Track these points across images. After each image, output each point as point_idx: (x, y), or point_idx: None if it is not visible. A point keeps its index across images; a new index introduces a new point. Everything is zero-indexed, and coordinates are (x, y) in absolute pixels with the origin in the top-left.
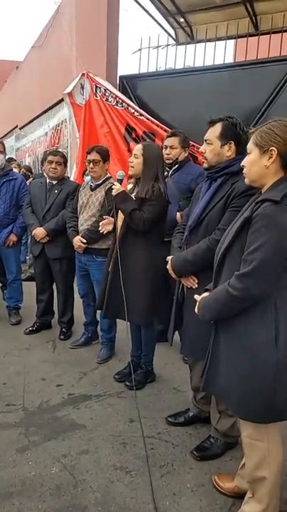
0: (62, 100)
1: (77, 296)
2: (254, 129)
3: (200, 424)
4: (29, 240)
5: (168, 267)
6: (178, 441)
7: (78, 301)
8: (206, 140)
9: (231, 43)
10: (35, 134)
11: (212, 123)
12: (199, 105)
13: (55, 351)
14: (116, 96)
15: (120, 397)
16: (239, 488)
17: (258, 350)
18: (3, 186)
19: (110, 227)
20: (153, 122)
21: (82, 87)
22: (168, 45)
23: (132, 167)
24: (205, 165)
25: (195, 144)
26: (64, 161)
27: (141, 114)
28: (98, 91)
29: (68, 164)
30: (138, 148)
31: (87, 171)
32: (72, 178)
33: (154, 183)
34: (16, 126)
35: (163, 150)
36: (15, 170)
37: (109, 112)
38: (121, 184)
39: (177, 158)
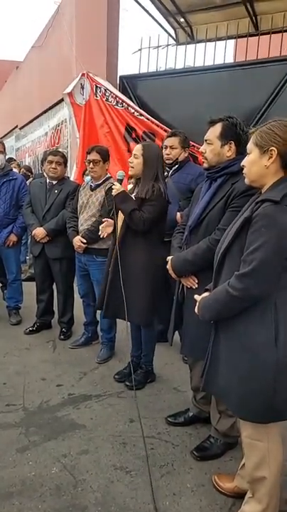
0: (62, 100)
1: (77, 296)
2: (254, 129)
3: (200, 424)
4: (29, 240)
5: (168, 267)
6: (178, 441)
7: (78, 301)
8: (206, 140)
9: (231, 43)
10: (35, 134)
11: (212, 123)
12: (200, 105)
13: (55, 351)
14: (116, 96)
15: (120, 397)
16: (239, 488)
17: (258, 350)
18: (3, 186)
19: (110, 230)
20: (153, 122)
21: (82, 87)
22: (168, 45)
23: (132, 167)
24: (205, 165)
25: (195, 144)
26: (64, 161)
27: (141, 114)
28: (98, 91)
29: (68, 164)
30: (138, 149)
31: (87, 171)
32: (72, 178)
33: (154, 183)
34: (16, 126)
35: (163, 150)
36: (15, 170)
37: (109, 112)
38: (121, 184)
39: (177, 159)
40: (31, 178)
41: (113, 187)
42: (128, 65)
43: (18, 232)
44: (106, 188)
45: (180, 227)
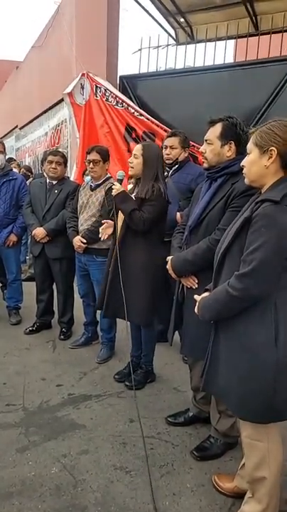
0: (62, 100)
1: (77, 296)
2: (254, 129)
3: (200, 424)
4: (29, 240)
5: (168, 266)
6: (178, 441)
7: (78, 301)
8: (206, 140)
9: (231, 43)
10: (35, 134)
11: (212, 123)
12: (200, 105)
13: (55, 351)
14: (116, 96)
15: (120, 397)
16: (239, 488)
17: (258, 350)
18: (3, 186)
19: (110, 231)
20: (153, 122)
21: (82, 87)
22: (168, 45)
23: (132, 167)
24: (205, 165)
25: (195, 144)
26: (64, 161)
27: (141, 114)
28: (98, 91)
29: (68, 164)
30: (137, 149)
31: (87, 171)
32: (72, 178)
33: (154, 183)
34: (16, 126)
35: (163, 150)
36: (15, 170)
37: (109, 112)
38: (121, 184)
39: (177, 159)
40: (31, 178)
41: (113, 187)
42: (128, 65)
43: (18, 232)
44: (106, 188)
45: (180, 227)
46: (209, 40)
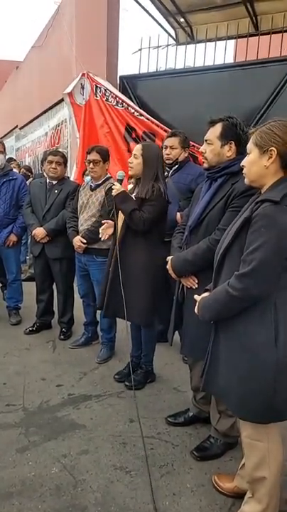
0: (62, 100)
1: (77, 296)
2: (254, 129)
3: (200, 424)
4: (29, 240)
5: (168, 267)
6: (178, 441)
7: (78, 301)
8: (206, 140)
9: (231, 43)
10: (35, 134)
11: (213, 123)
12: (200, 105)
13: (55, 351)
14: (116, 96)
15: (120, 397)
16: (239, 488)
17: (258, 350)
18: (3, 186)
19: (110, 231)
20: (153, 122)
21: (82, 87)
22: (168, 45)
23: (131, 167)
24: (205, 165)
25: (195, 144)
26: (64, 161)
27: (141, 114)
28: (98, 91)
29: (68, 164)
30: (137, 149)
31: (87, 171)
32: (72, 178)
33: (154, 183)
34: (16, 126)
35: (163, 150)
36: (15, 170)
37: (109, 112)
38: (121, 184)
39: (177, 159)
40: (31, 178)
41: (113, 187)
42: (128, 65)
43: (18, 232)
44: (106, 188)
45: (180, 227)
46: (209, 40)
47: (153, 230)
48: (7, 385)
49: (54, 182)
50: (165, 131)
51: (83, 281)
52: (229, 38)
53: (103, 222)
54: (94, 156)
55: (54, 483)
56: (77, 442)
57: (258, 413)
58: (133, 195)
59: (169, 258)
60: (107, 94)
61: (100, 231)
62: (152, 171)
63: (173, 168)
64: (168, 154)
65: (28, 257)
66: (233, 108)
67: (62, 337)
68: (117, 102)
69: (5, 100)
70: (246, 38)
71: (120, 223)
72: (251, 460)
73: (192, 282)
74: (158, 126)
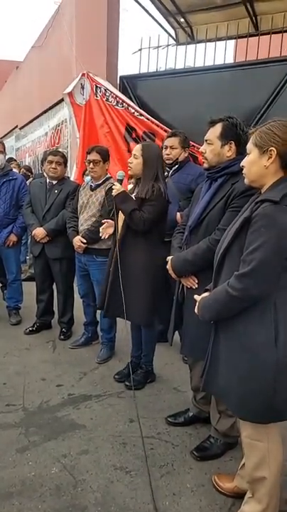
0: (62, 100)
1: (77, 296)
2: (254, 129)
3: (200, 424)
4: (29, 240)
5: (168, 267)
6: (178, 441)
7: (78, 301)
8: (206, 140)
9: (231, 43)
10: (35, 134)
11: (213, 123)
12: (200, 105)
13: (55, 351)
14: (117, 96)
15: (120, 397)
16: (239, 488)
17: (258, 350)
18: (3, 186)
19: (111, 231)
20: (153, 122)
21: (82, 87)
22: (168, 45)
23: (131, 168)
24: (205, 165)
25: (195, 144)
26: (64, 161)
27: (141, 114)
28: (98, 91)
29: (68, 164)
30: (137, 149)
31: (87, 171)
32: (72, 178)
33: (154, 183)
34: (16, 126)
35: (163, 150)
36: (15, 170)
37: (109, 112)
38: (121, 184)
39: (177, 159)
40: (31, 178)
41: (113, 187)
42: (128, 65)
43: (18, 232)
44: (107, 188)
45: (180, 227)
46: (210, 41)
47: (153, 230)
48: (7, 385)
49: (54, 182)
50: (165, 131)
51: (83, 281)
52: (229, 38)
53: (103, 221)
54: (94, 156)
55: (54, 483)
56: (77, 442)
57: (258, 413)
58: (133, 195)
59: (169, 258)
60: (107, 94)
61: (101, 230)
62: (152, 171)
63: (173, 168)
64: (168, 154)
65: (28, 257)
66: (233, 108)
67: (62, 337)
68: (117, 102)
69: (5, 100)
70: (246, 38)
71: (120, 223)
72: (251, 460)
73: (192, 282)
74: (158, 126)
